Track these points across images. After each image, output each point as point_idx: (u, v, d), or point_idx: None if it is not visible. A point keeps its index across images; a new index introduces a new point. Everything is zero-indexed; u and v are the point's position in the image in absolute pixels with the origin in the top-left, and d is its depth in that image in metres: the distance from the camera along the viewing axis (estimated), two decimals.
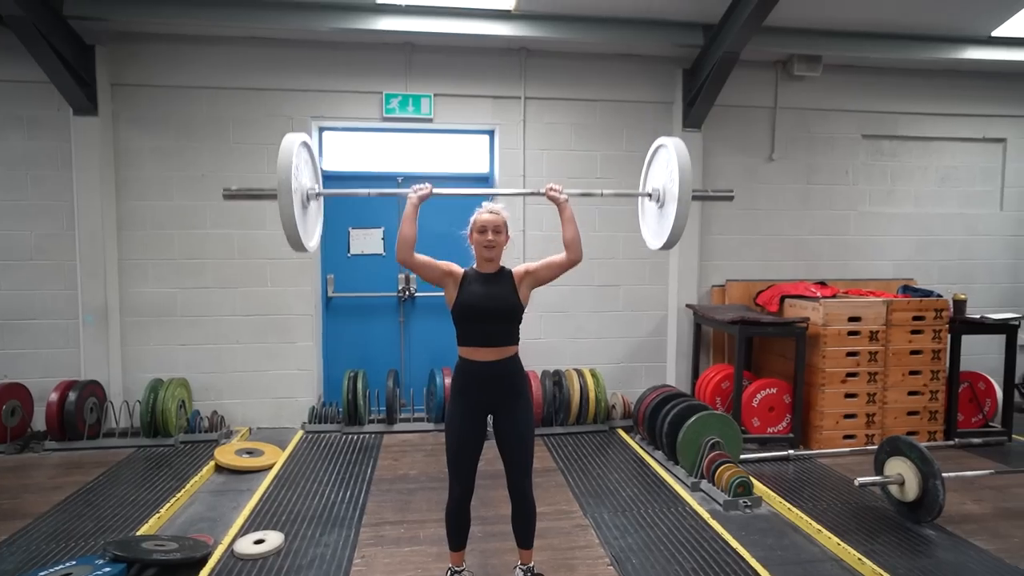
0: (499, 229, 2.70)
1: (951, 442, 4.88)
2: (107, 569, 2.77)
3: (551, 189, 2.79)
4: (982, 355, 5.80)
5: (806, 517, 3.50)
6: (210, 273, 5.19)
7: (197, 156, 5.13)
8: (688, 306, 5.58)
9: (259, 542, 3.19)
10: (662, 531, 3.40)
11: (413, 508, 3.70)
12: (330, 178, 5.47)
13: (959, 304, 5.10)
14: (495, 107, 5.42)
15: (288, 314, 5.29)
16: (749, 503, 3.72)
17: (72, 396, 4.63)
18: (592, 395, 5.15)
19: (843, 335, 4.72)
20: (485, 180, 5.62)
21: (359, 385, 5.10)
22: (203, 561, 3.00)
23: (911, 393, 4.85)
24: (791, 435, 4.79)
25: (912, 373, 4.83)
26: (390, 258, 5.53)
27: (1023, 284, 6.30)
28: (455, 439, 2.71)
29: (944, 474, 3.38)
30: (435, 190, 2.77)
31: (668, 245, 2.94)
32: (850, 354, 4.74)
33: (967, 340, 5.06)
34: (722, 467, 3.88)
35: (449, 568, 2.85)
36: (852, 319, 4.74)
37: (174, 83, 5.06)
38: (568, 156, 5.53)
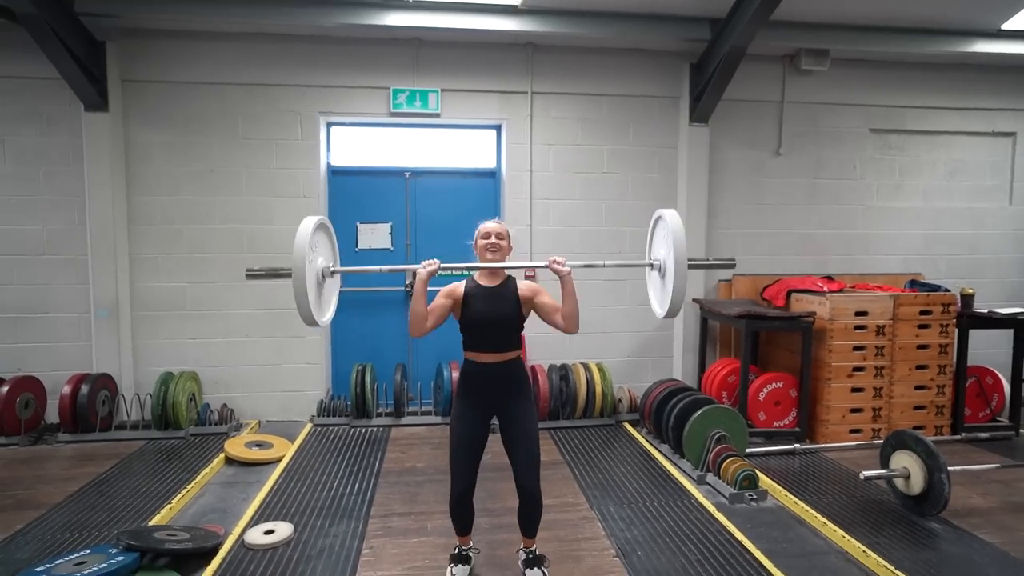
0: (502, 235, 2.79)
1: (958, 436, 4.87)
2: (120, 558, 2.82)
3: (554, 262, 2.79)
4: (990, 350, 5.79)
5: (811, 510, 3.51)
6: (219, 267, 5.24)
7: (207, 151, 5.18)
8: (695, 300, 5.58)
9: (269, 532, 3.24)
10: (668, 523, 3.42)
11: (421, 500, 3.74)
12: (338, 172, 5.51)
13: (967, 299, 5.08)
14: (502, 102, 5.43)
15: (296, 308, 5.31)
16: (755, 496, 3.73)
17: (84, 389, 4.70)
18: (599, 389, 5.17)
19: (850, 329, 4.72)
20: (492, 175, 5.64)
21: (367, 379, 5.14)
22: (214, 551, 3.05)
23: (918, 387, 4.84)
24: (797, 429, 4.79)
25: (919, 368, 4.82)
26: (398, 252, 5.57)
27: None
28: (458, 438, 2.79)
29: (950, 468, 3.38)
30: (442, 265, 2.79)
31: (670, 314, 3.03)
32: (857, 348, 4.74)
33: (975, 335, 5.04)
34: (728, 460, 3.89)
35: (457, 546, 2.95)
36: (859, 313, 4.73)
37: (184, 79, 5.10)
38: (575, 151, 5.54)
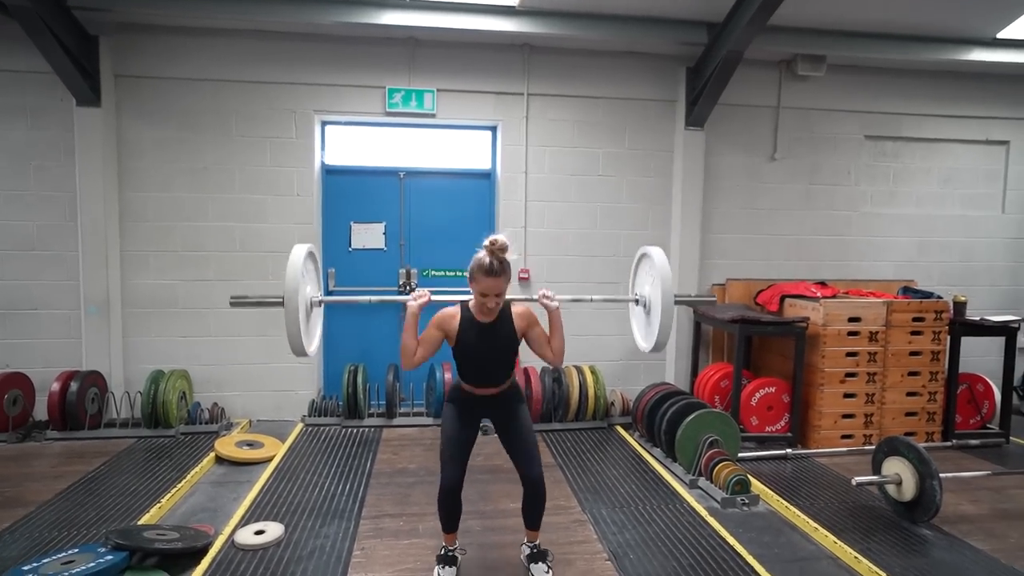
0: (500, 293, 2.68)
1: (949, 443, 4.89)
2: (109, 557, 2.79)
3: (544, 296, 2.82)
4: (981, 357, 5.82)
5: (803, 515, 3.52)
6: (212, 265, 5.20)
7: (200, 148, 5.14)
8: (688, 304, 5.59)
9: (259, 532, 3.21)
10: (660, 527, 3.42)
11: (412, 501, 3.72)
12: (332, 172, 5.48)
13: (959, 306, 5.11)
14: (498, 103, 5.42)
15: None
16: (747, 501, 3.74)
17: (74, 386, 4.65)
18: (591, 392, 5.17)
19: (843, 335, 4.74)
20: (487, 176, 5.63)
21: (359, 379, 5.11)
22: (204, 551, 3.02)
23: (910, 394, 4.86)
24: (789, 434, 4.80)
25: (911, 374, 4.84)
26: (391, 253, 5.54)
27: (1023, 287, 6.31)
28: (448, 436, 2.83)
29: (941, 475, 3.39)
30: (433, 297, 2.80)
31: (656, 349, 3.10)
32: (849, 354, 4.75)
33: (967, 342, 5.06)
34: (720, 465, 3.89)
35: (443, 547, 2.94)
36: (852, 319, 4.75)
37: (177, 75, 5.06)
38: (570, 153, 5.53)
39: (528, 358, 5.44)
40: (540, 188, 5.52)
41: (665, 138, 5.62)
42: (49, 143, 4.97)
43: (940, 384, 4.89)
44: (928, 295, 5.14)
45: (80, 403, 4.67)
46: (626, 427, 5.20)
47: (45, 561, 2.77)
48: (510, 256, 2.67)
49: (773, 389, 4.86)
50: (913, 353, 4.83)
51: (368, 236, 5.52)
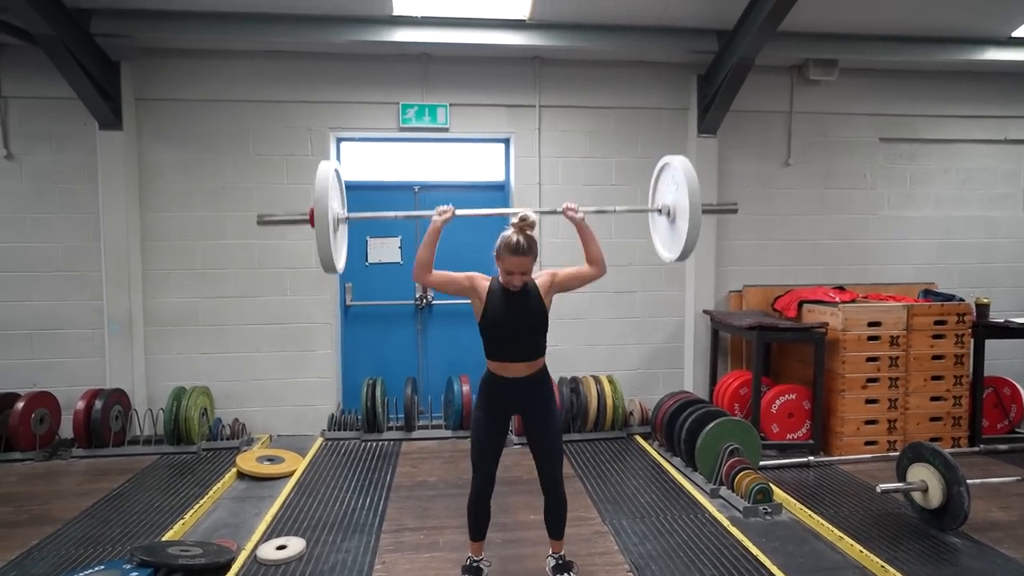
0: (525, 271, 2.69)
1: (976, 448, 4.80)
2: (135, 574, 2.83)
3: (568, 208, 2.83)
4: (1007, 360, 5.71)
5: (827, 524, 3.46)
6: (231, 283, 5.28)
7: (219, 168, 5.24)
8: (705, 312, 5.56)
9: (281, 548, 3.24)
10: (681, 538, 3.39)
11: (432, 515, 3.72)
12: (348, 187, 5.45)
13: (982, 308, 5.03)
14: (510, 116, 5.46)
15: (307, 323, 5.36)
16: (769, 510, 3.69)
17: (98, 404, 4.73)
18: (609, 402, 5.15)
19: (863, 340, 4.68)
20: (501, 188, 5.67)
21: (378, 393, 5.14)
22: (227, 566, 3.05)
23: (934, 399, 4.78)
24: (811, 441, 4.74)
25: (934, 378, 4.77)
26: (408, 267, 5.58)
27: None
28: (480, 438, 2.82)
29: (969, 481, 3.33)
30: (458, 211, 2.82)
31: (683, 256, 3.04)
32: (870, 359, 4.69)
33: (991, 344, 4.98)
34: (741, 473, 3.85)
35: (469, 557, 2.95)
36: (872, 324, 4.69)
37: (196, 97, 5.18)
38: (583, 163, 5.56)
39: None
40: (554, 199, 5.53)
41: (678, 146, 5.62)
42: (73, 166, 5.09)
43: (965, 388, 4.81)
44: (949, 298, 5.06)
45: (104, 421, 4.74)
46: (645, 437, 5.17)
47: None
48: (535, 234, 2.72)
49: (793, 396, 4.81)
50: (936, 357, 4.76)
51: (384, 250, 5.57)
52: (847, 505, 3.84)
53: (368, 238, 5.55)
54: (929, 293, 5.33)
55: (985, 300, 5.08)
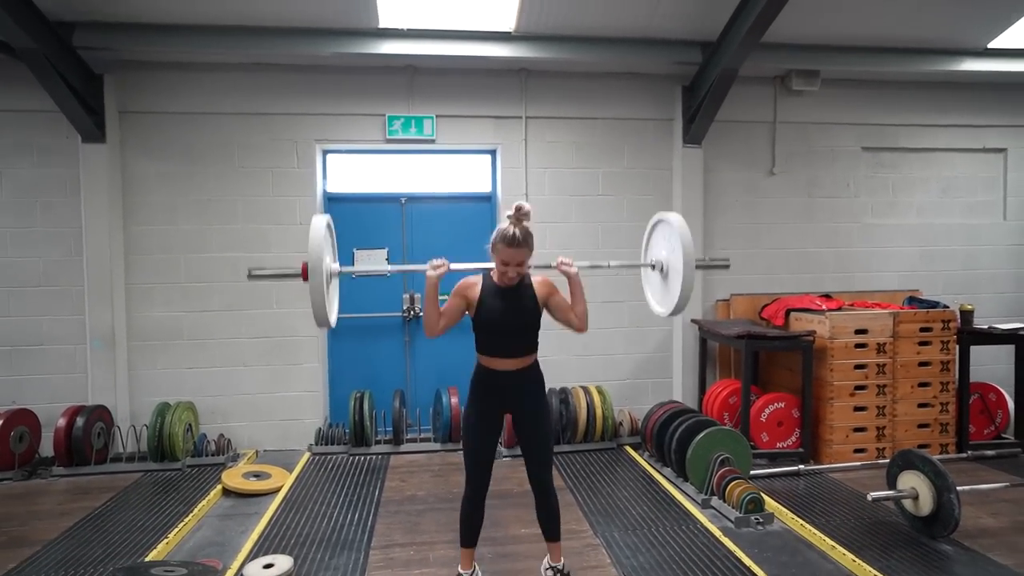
0: (521, 263, 2.69)
1: (964, 454, 4.83)
2: None
3: (562, 263, 2.84)
4: (991, 365, 5.77)
5: (819, 533, 3.46)
6: (216, 296, 5.22)
7: (203, 181, 5.19)
8: (693, 321, 5.57)
9: (268, 566, 3.16)
10: (674, 549, 3.36)
11: (422, 530, 3.67)
12: (334, 200, 5.52)
13: (966, 315, 5.08)
14: (497, 127, 5.47)
15: (294, 336, 5.30)
16: (761, 520, 3.68)
17: (80, 421, 4.64)
18: (599, 412, 5.13)
19: (850, 348, 4.71)
20: (487, 199, 5.66)
21: (365, 406, 5.09)
22: None
23: (921, 405, 4.81)
24: (801, 450, 4.75)
25: (921, 385, 4.80)
26: (394, 278, 5.55)
27: None
28: (472, 439, 2.81)
29: (959, 487, 3.34)
30: (452, 265, 2.81)
31: (675, 312, 3.08)
32: (858, 367, 4.72)
33: (976, 351, 5.03)
34: (732, 483, 3.84)
35: (458, 573, 2.92)
36: (859, 331, 4.72)
37: (180, 110, 5.14)
38: (570, 174, 5.57)
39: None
40: (541, 209, 5.53)
41: (664, 156, 5.66)
42: (55, 180, 5.02)
43: (951, 394, 4.85)
44: (934, 304, 5.11)
45: (86, 438, 4.65)
46: (635, 447, 5.15)
47: None
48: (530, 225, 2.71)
49: (782, 404, 4.82)
50: (922, 364, 4.79)
51: (371, 262, 5.53)
52: (838, 514, 3.84)
53: (355, 250, 5.51)
54: (914, 300, 5.38)
55: (969, 307, 5.14)
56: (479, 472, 2.79)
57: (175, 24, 4.67)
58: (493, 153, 5.60)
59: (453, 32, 4.91)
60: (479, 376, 2.83)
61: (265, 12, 4.64)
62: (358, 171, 5.57)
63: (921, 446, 4.72)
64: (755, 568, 3.10)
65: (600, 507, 3.97)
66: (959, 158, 6.14)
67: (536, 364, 2.87)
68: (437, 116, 5.37)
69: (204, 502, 4.07)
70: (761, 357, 5.52)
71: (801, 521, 3.62)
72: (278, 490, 4.32)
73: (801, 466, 4.59)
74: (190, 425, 4.99)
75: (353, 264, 5.51)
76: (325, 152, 5.46)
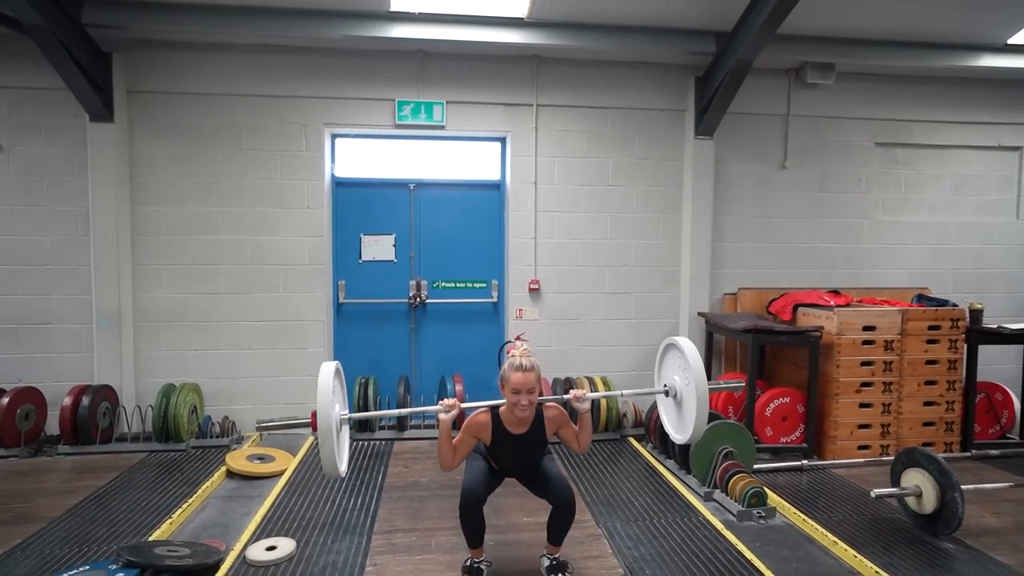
0: (532, 389, 2.76)
1: (968, 453, 4.81)
2: (120, 574, 2.78)
3: (576, 398, 2.87)
4: (999, 365, 5.74)
5: (821, 528, 3.45)
6: (223, 279, 5.22)
7: (211, 162, 5.17)
8: (700, 314, 5.54)
9: (271, 549, 3.19)
10: (675, 541, 3.37)
11: (424, 515, 3.68)
12: (342, 184, 5.50)
13: (975, 314, 5.04)
14: (507, 114, 5.43)
15: (299, 320, 5.30)
16: (763, 514, 3.68)
17: (85, 400, 4.66)
18: (604, 404, 5.12)
19: (857, 344, 4.68)
20: (496, 187, 5.63)
21: (370, 391, 5.09)
22: (215, 567, 3.00)
23: (927, 403, 4.79)
24: (805, 445, 4.74)
25: (928, 383, 4.77)
26: (401, 264, 5.54)
27: None
28: (474, 467, 2.94)
29: (962, 486, 3.32)
30: (463, 405, 2.85)
31: (693, 440, 3.03)
32: (865, 364, 4.69)
33: (984, 350, 4.99)
34: (735, 477, 3.84)
35: (469, 558, 2.96)
36: (867, 328, 4.69)
37: (189, 90, 5.11)
38: (580, 163, 5.53)
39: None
40: (550, 199, 5.51)
41: (675, 147, 5.61)
42: (62, 159, 5.01)
43: (958, 393, 4.82)
44: (943, 303, 5.07)
45: (92, 417, 4.67)
46: (639, 439, 5.15)
47: None
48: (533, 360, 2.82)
49: (788, 399, 4.81)
50: (929, 362, 4.76)
51: (378, 248, 5.52)
52: (841, 509, 3.83)
53: (362, 235, 5.50)
54: (923, 298, 5.34)
55: (979, 305, 5.09)
56: (476, 487, 2.83)
57: (186, 3, 4.63)
58: (503, 141, 5.56)
59: (465, 17, 4.86)
60: (487, 458, 2.99)
61: None
62: (367, 156, 5.54)
63: (926, 444, 4.70)
64: (756, 562, 3.10)
65: (603, 497, 3.97)
66: (973, 155, 6.07)
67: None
68: (447, 102, 5.33)
69: (208, 483, 4.09)
70: (767, 351, 5.50)
71: (803, 516, 3.62)
72: (282, 473, 4.34)
73: (805, 461, 4.58)
74: (195, 407, 5.01)
75: (360, 250, 5.50)
76: (334, 136, 5.43)
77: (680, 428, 3.12)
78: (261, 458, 4.52)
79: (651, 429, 4.84)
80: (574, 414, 2.94)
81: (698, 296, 5.58)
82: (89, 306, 5.05)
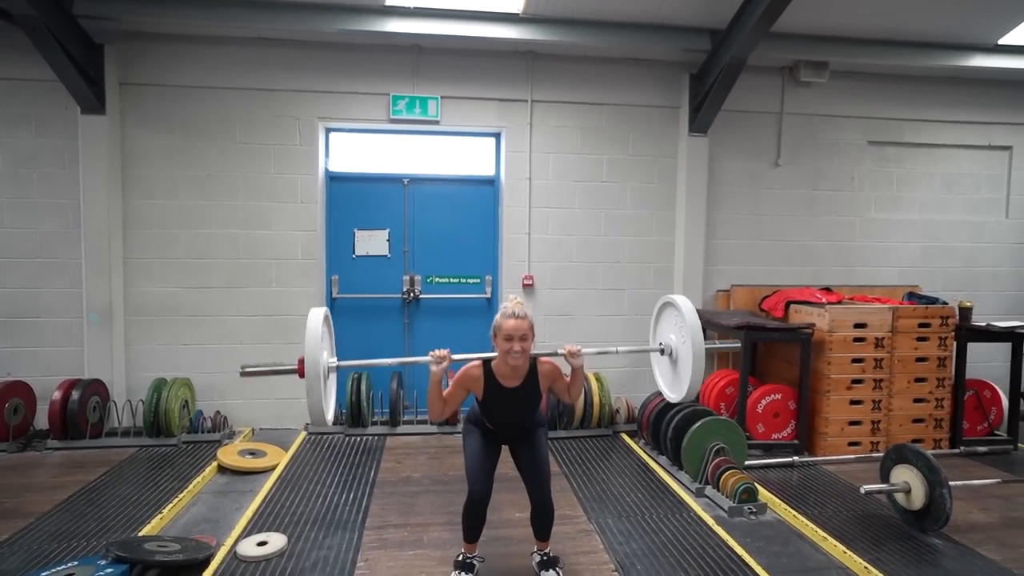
0: (525, 336, 2.69)
1: (956, 450, 4.85)
2: (109, 570, 2.76)
3: (571, 353, 2.82)
4: (988, 363, 5.79)
5: (811, 524, 3.48)
6: (215, 272, 5.19)
7: (204, 155, 5.14)
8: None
9: (262, 544, 3.18)
10: (667, 537, 3.38)
11: (416, 511, 3.68)
12: (336, 179, 5.47)
13: (965, 312, 5.08)
14: (502, 110, 5.42)
15: (292, 314, 5.28)
16: (754, 509, 3.70)
17: (75, 395, 4.63)
18: (596, 399, 5.14)
19: (848, 341, 4.71)
20: (491, 183, 5.62)
21: (363, 387, 5.09)
22: (206, 563, 2.99)
23: (916, 400, 4.82)
24: (796, 441, 4.77)
25: (918, 380, 4.81)
26: (395, 259, 5.53)
27: None
28: (473, 449, 2.88)
29: (950, 483, 3.35)
30: (453, 356, 2.76)
31: (687, 398, 3.04)
32: (855, 360, 4.72)
33: (972, 348, 5.04)
34: (727, 473, 3.86)
35: (462, 552, 2.95)
36: (858, 325, 4.72)
37: (182, 83, 5.07)
38: (574, 159, 5.53)
39: None
40: (544, 194, 5.50)
41: (669, 144, 5.62)
42: (54, 151, 4.96)
43: (947, 390, 4.86)
44: (933, 301, 5.11)
45: (82, 412, 4.64)
46: (631, 434, 5.17)
47: (44, 574, 2.73)
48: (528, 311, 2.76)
49: (779, 396, 4.83)
50: (919, 359, 4.80)
51: (372, 243, 5.51)
52: (831, 505, 3.86)
53: (356, 230, 5.48)
54: (913, 296, 5.37)
55: (968, 304, 5.13)
56: (482, 481, 2.81)
57: None
58: (498, 136, 5.55)
59: (460, 12, 4.85)
60: (480, 422, 2.92)
61: None
62: (361, 150, 5.52)
63: (915, 441, 4.73)
64: (747, 557, 3.12)
65: (595, 493, 3.99)
66: (964, 154, 6.11)
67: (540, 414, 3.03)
68: (442, 97, 5.32)
69: (199, 479, 4.07)
70: (759, 348, 5.52)
71: (794, 512, 3.64)
72: (273, 468, 4.33)
73: (795, 458, 4.61)
74: (186, 401, 4.98)
75: (354, 245, 5.48)
76: (328, 130, 5.40)
77: (675, 386, 3.12)
78: (253, 453, 4.50)
79: (644, 425, 4.86)
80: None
81: (691, 293, 5.59)
82: (79, 299, 5.01)
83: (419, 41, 5.15)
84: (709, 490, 3.94)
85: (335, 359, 2.98)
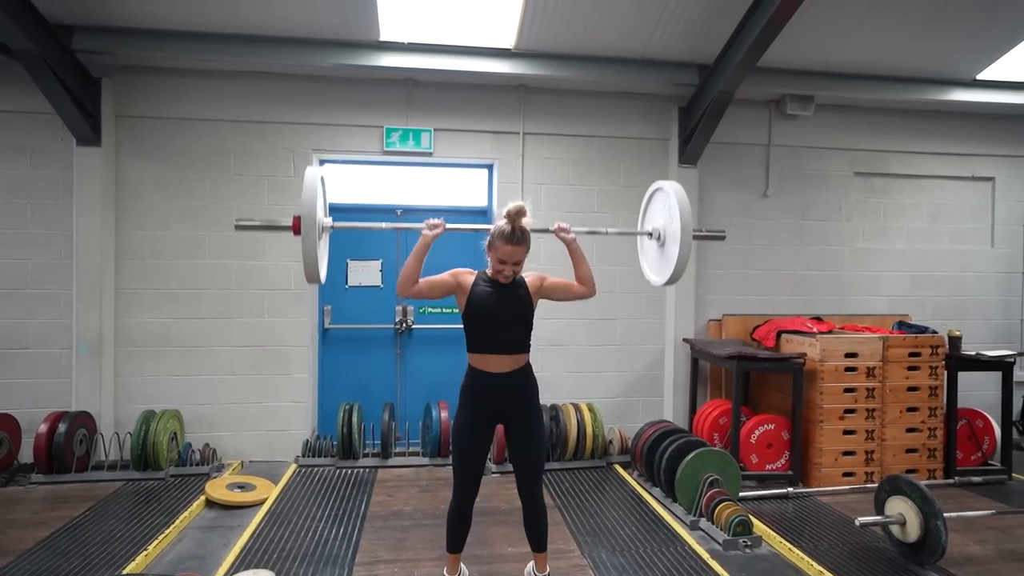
0: (518, 261, 2.69)
1: (951, 480, 4.84)
2: None
3: (560, 228, 2.84)
4: (979, 391, 5.81)
5: (807, 558, 3.44)
6: (207, 303, 5.17)
7: (198, 187, 5.17)
8: (685, 340, 5.58)
9: None
10: (661, 571, 3.34)
11: (408, 546, 3.62)
12: (330, 209, 5.48)
13: (954, 340, 5.12)
14: (494, 142, 5.49)
15: (284, 345, 5.26)
16: (749, 543, 3.66)
17: (62, 427, 4.56)
18: (589, 430, 5.11)
19: (840, 371, 4.72)
20: (484, 213, 5.67)
21: (354, 418, 5.04)
22: None
23: (909, 430, 4.82)
24: (790, 472, 4.74)
25: (910, 409, 4.82)
26: (388, 290, 5.53)
27: (1016, 320, 6.35)
28: (462, 447, 2.79)
29: (945, 514, 3.34)
30: (448, 226, 2.76)
31: (672, 280, 3.05)
32: (847, 390, 4.73)
33: (963, 377, 5.06)
34: (721, 505, 3.83)
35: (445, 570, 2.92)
36: (849, 355, 4.74)
37: (177, 115, 5.12)
38: (566, 190, 5.59)
39: None
40: (537, 225, 5.53)
41: (659, 175, 5.68)
42: (48, 182, 4.98)
43: (939, 420, 4.87)
44: (923, 330, 5.15)
45: (68, 445, 4.56)
46: (625, 466, 5.12)
47: None
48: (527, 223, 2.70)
49: (772, 426, 4.82)
50: (911, 388, 4.81)
51: (365, 274, 5.52)
52: (826, 538, 3.83)
53: (348, 261, 5.50)
54: (903, 325, 5.41)
55: (957, 332, 5.17)
56: (468, 480, 2.76)
57: (175, 30, 4.67)
58: (490, 168, 5.62)
59: (453, 47, 4.95)
60: (470, 381, 2.80)
61: (267, 21, 4.65)
62: (355, 182, 5.56)
63: (909, 471, 4.72)
64: None
65: (588, 527, 3.94)
66: (949, 185, 6.23)
67: (529, 367, 2.86)
68: (435, 129, 5.39)
69: (186, 513, 4.00)
70: (752, 378, 5.52)
71: (789, 545, 3.61)
72: (262, 502, 4.26)
73: (790, 489, 4.58)
74: (175, 434, 4.92)
75: (347, 275, 5.49)
76: (322, 162, 5.45)
77: (661, 269, 3.13)
78: (242, 487, 4.43)
79: (637, 456, 4.83)
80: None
81: (683, 322, 5.62)
82: (69, 331, 4.97)
83: (413, 75, 5.25)
84: (703, 523, 3.90)
85: (330, 219, 3.02)
